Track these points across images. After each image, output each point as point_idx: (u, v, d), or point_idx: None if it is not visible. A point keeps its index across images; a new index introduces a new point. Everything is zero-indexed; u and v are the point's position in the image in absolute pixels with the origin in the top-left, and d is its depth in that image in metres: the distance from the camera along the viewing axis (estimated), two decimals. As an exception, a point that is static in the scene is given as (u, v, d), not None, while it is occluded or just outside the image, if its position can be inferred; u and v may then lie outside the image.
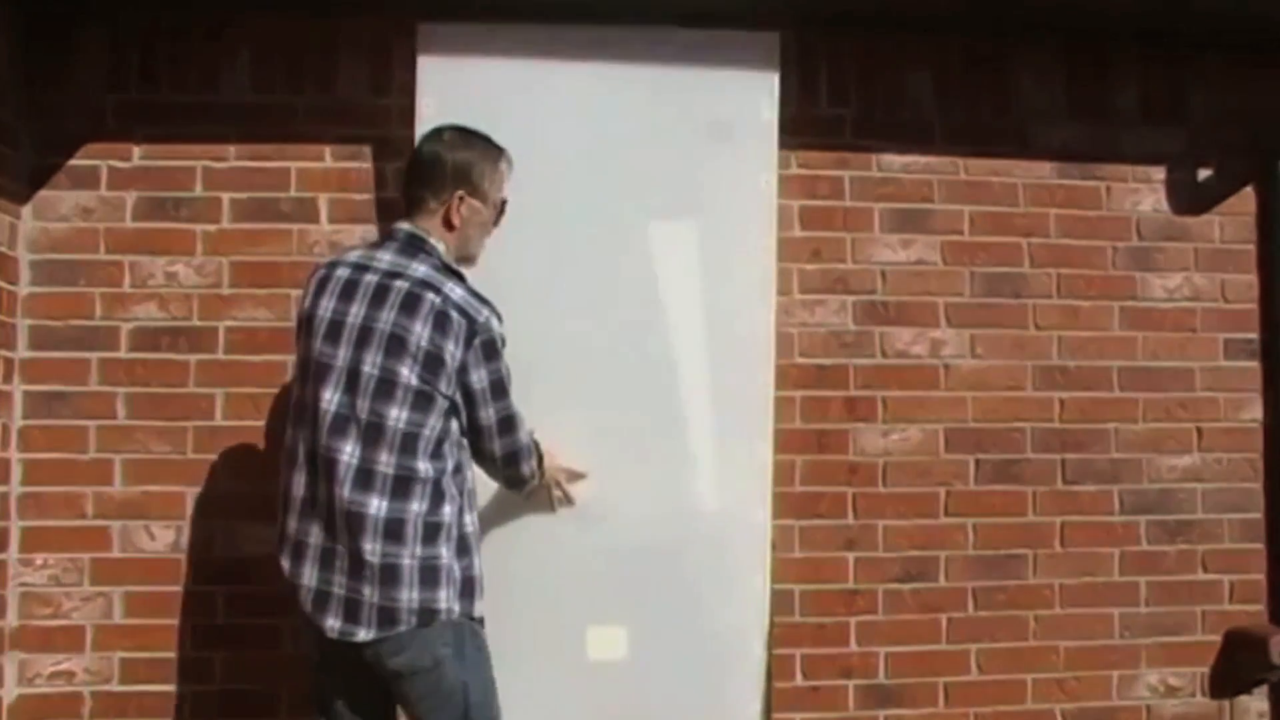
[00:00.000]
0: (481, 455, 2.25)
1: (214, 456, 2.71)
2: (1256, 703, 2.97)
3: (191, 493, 2.70)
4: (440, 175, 2.20)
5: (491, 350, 2.15)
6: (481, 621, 2.19)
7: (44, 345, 2.70)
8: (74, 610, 2.67)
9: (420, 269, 2.14)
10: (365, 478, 2.04)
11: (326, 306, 2.14)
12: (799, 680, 2.82)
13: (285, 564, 2.12)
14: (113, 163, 2.75)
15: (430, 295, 2.09)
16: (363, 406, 2.06)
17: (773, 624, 2.82)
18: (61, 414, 2.69)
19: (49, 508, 2.67)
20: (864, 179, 2.93)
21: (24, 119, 2.70)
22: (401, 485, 2.05)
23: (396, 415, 2.06)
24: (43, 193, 2.73)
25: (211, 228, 2.76)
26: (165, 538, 2.69)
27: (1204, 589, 2.97)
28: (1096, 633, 2.92)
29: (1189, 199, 3.05)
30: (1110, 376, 2.98)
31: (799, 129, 2.90)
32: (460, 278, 2.19)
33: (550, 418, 2.84)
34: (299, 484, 2.11)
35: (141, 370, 2.72)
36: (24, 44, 2.70)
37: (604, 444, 2.87)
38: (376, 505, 2.03)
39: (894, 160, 2.94)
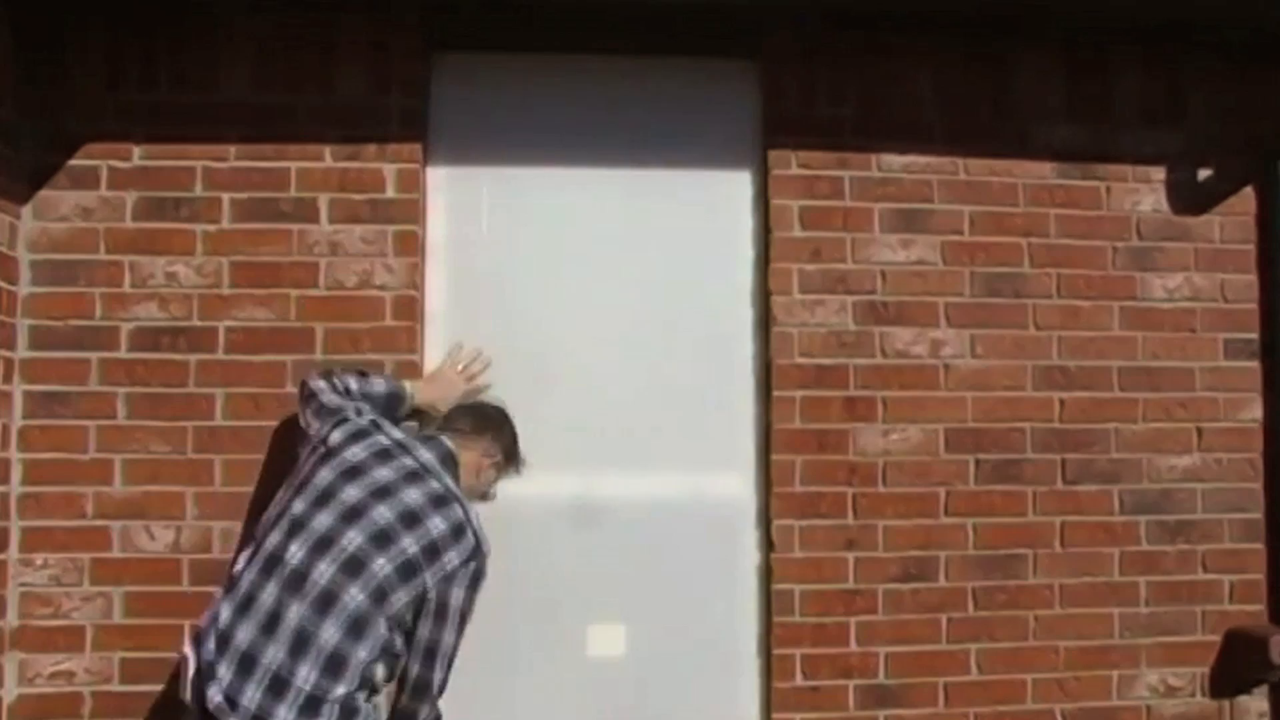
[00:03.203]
0: (408, 676, 2.25)
1: (214, 456, 2.71)
2: (1256, 703, 2.97)
3: (191, 493, 2.70)
4: (501, 437, 2.55)
5: (476, 583, 2.25)
6: None
7: (44, 345, 2.70)
8: (74, 610, 2.67)
9: (452, 485, 2.30)
10: (327, 602, 2.08)
11: (355, 453, 2.26)
12: (799, 680, 2.81)
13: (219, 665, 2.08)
14: (113, 163, 2.75)
15: (458, 505, 2.25)
16: (353, 539, 2.13)
17: (772, 624, 2.83)
18: (61, 414, 2.69)
19: (49, 508, 2.67)
20: (864, 179, 2.93)
21: (24, 119, 2.70)
22: (359, 627, 2.09)
23: (387, 574, 2.12)
24: (43, 193, 2.73)
25: (211, 228, 2.76)
26: (165, 538, 2.69)
27: (1204, 589, 2.97)
28: (1096, 633, 2.92)
29: (1189, 199, 3.05)
30: (1110, 376, 2.98)
31: (799, 129, 2.91)
32: None
33: (549, 418, 2.86)
34: (260, 584, 2.13)
35: (141, 370, 2.72)
36: (24, 44, 2.70)
37: (602, 445, 2.89)
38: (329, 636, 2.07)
39: (894, 160, 2.94)
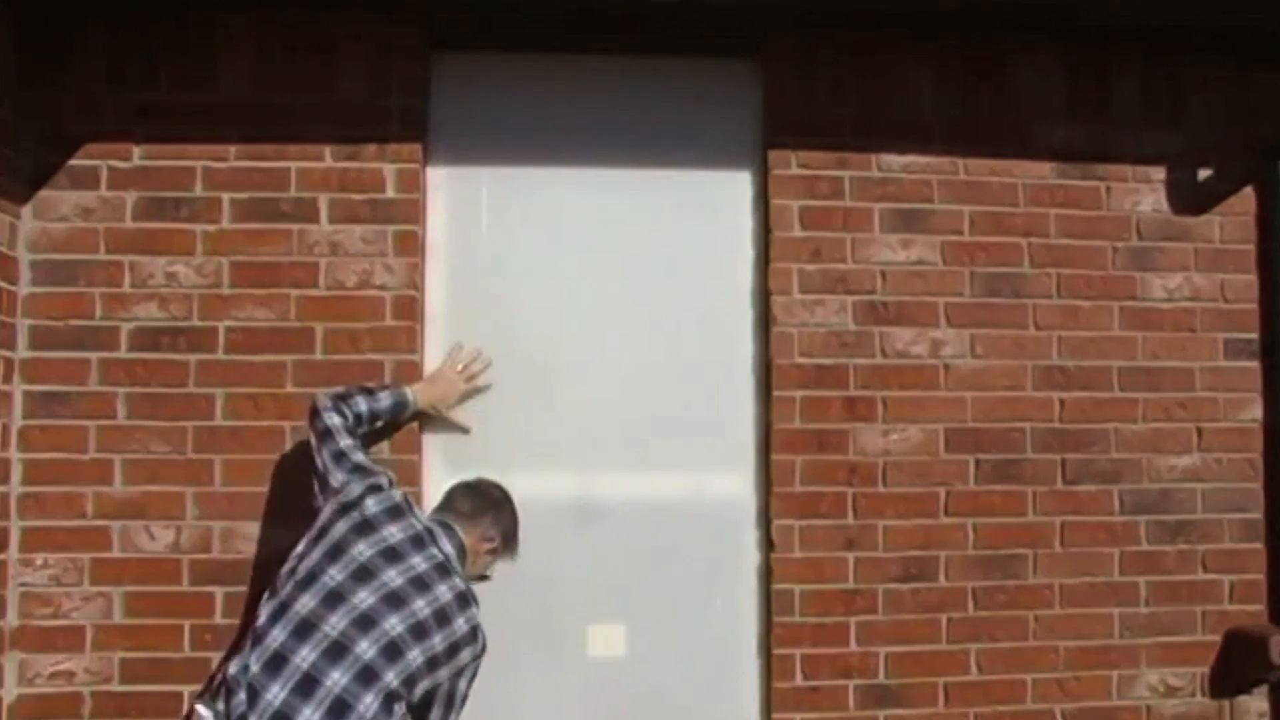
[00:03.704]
0: None
1: (214, 456, 2.71)
2: (1256, 703, 2.97)
3: (191, 493, 2.70)
4: (502, 521, 2.58)
5: (477, 674, 2.42)
6: None
7: (44, 345, 2.70)
8: (74, 610, 2.67)
9: (466, 582, 2.42)
10: (368, 678, 2.16)
11: (393, 533, 2.35)
12: (799, 680, 2.81)
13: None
14: (113, 163, 2.75)
15: (474, 607, 2.38)
16: (394, 626, 2.22)
17: (772, 624, 2.83)
18: (61, 414, 2.69)
19: (49, 508, 2.67)
20: (864, 179, 2.93)
21: (24, 119, 2.70)
22: (390, 703, 2.19)
23: (419, 664, 2.24)
24: (43, 193, 2.73)
25: (211, 228, 2.76)
26: (165, 538, 2.69)
27: (1204, 589, 2.97)
28: (1096, 633, 2.92)
29: (1189, 199, 3.05)
30: (1110, 376, 2.98)
31: (799, 129, 2.91)
32: None
33: (549, 418, 2.86)
34: (292, 647, 2.17)
35: (141, 370, 2.72)
36: (24, 44, 2.70)
37: (602, 445, 2.89)
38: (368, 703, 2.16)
39: (894, 160, 2.94)
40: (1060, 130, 3.01)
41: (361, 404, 2.54)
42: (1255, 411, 3.02)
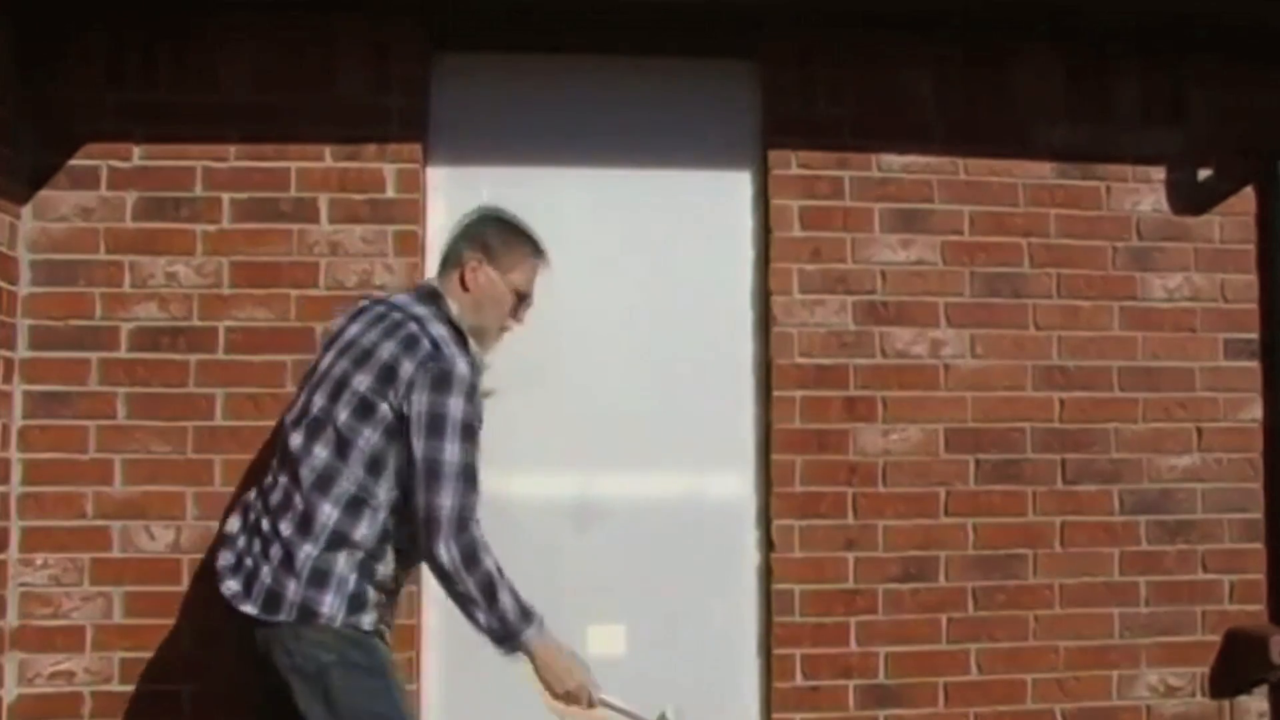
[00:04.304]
0: (412, 509, 2.06)
1: (214, 456, 2.71)
2: (1256, 703, 2.97)
3: (191, 493, 2.70)
4: (470, 237, 2.27)
5: (444, 383, 2.04)
6: (378, 634, 2.13)
7: (44, 345, 2.70)
8: (74, 610, 2.67)
9: (422, 310, 2.16)
10: (304, 469, 2.07)
11: (339, 323, 2.24)
12: (799, 680, 2.82)
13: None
14: (113, 163, 2.75)
15: (412, 325, 2.11)
16: (316, 403, 2.12)
17: (772, 624, 2.83)
18: (61, 414, 2.69)
19: (49, 508, 2.67)
20: (864, 179, 2.93)
21: (24, 119, 2.70)
22: (325, 482, 2.06)
23: (344, 420, 2.06)
24: (43, 193, 2.73)
25: (211, 228, 2.76)
26: (165, 538, 2.69)
27: (1204, 589, 2.97)
28: (1096, 633, 2.92)
29: (1189, 199, 3.05)
30: (1110, 376, 2.98)
31: (799, 129, 2.91)
32: (458, 333, 2.15)
33: (549, 418, 2.86)
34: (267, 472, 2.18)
35: (141, 370, 2.72)
36: (24, 43, 2.70)
37: (602, 445, 2.89)
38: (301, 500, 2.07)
39: (894, 160, 2.94)
40: (1060, 130, 3.01)
41: None
42: (1255, 411, 3.02)
